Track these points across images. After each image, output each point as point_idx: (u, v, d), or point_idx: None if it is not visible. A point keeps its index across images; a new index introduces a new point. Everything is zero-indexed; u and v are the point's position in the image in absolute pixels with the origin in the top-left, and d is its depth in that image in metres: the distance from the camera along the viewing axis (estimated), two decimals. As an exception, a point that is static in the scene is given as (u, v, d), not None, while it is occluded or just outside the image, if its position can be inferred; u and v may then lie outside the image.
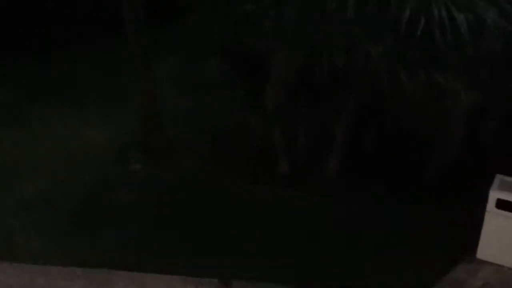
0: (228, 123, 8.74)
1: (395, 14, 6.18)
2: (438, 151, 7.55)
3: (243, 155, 8.18)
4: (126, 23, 7.82)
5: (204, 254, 6.61)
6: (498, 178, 6.65)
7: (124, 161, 8.19)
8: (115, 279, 6.26)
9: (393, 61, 6.56)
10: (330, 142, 7.85)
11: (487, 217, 6.54)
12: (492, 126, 7.28)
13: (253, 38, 7.41)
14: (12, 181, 7.72)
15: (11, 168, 8.00)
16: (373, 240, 6.96)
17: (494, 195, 6.46)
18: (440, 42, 6.28)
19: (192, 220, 7.14)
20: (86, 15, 10.76)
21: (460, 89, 6.79)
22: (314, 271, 6.54)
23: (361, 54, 6.43)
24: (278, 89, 7.45)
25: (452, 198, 7.24)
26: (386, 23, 6.28)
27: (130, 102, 8.52)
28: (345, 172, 7.78)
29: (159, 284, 6.25)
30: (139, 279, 6.29)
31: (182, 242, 6.78)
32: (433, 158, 7.58)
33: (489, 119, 7.25)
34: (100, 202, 7.40)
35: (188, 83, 9.82)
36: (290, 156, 8.06)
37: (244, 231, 6.97)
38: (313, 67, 6.85)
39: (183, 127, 8.75)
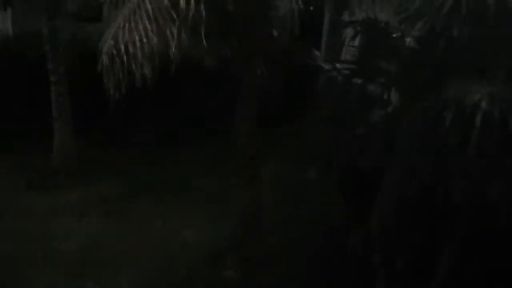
0: (327, 236, 8.57)
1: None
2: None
3: (340, 268, 7.95)
4: (237, 131, 8.00)
5: None
6: None
7: (218, 265, 8.15)
8: None
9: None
10: (430, 272, 7.53)
11: None
12: None
13: (362, 157, 7.39)
14: (110, 273, 7.86)
15: (110, 260, 8.16)
16: None
17: None
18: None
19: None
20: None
21: None
22: None
23: (478, 195, 6.21)
24: (384, 213, 7.29)
25: None
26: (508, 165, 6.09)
27: (233, 206, 8.57)
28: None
29: None
30: None
31: None
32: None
33: None
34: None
35: (289, 190, 9.83)
36: (388, 278, 7.79)
37: None
38: (424, 198, 6.69)
39: (281, 235, 8.66)
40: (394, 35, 6.95)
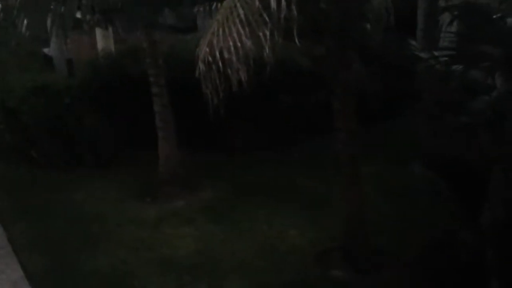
0: (435, 234, 8.29)
1: None
2: None
3: (449, 269, 7.67)
4: (338, 131, 7.88)
5: None
6: None
7: (324, 265, 8.11)
8: None
9: None
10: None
11: None
12: None
13: (468, 150, 7.08)
14: (221, 275, 8.05)
15: (220, 263, 8.36)
16: None
17: None
18: None
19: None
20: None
21: None
22: None
23: None
24: (497, 208, 6.93)
25: None
26: None
27: (335, 206, 8.51)
28: None
29: None
30: None
31: None
32: None
33: None
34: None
35: (391, 189, 9.65)
36: (502, 278, 7.39)
37: None
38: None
39: (386, 235, 8.52)
40: (494, 17, 6.61)
